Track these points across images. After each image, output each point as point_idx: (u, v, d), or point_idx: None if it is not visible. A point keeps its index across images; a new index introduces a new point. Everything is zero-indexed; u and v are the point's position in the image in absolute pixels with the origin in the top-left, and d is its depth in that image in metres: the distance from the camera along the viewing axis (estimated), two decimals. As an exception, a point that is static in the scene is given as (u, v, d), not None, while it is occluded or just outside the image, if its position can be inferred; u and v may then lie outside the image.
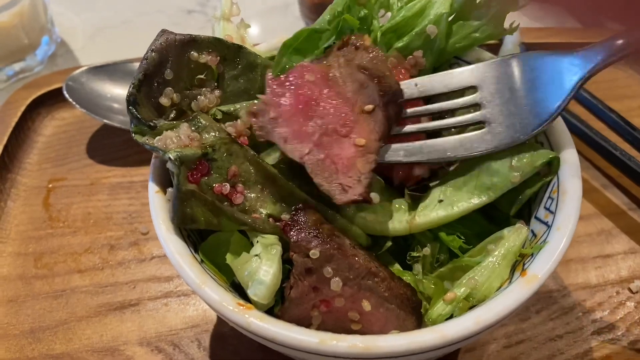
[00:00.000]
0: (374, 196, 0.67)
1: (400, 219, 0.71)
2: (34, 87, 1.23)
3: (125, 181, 1.10)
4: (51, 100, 1.22)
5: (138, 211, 1.05)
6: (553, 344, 0.83)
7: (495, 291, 0.63)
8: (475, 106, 0.72)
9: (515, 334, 0.84)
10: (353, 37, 0.73)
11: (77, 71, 1.14)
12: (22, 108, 1.18)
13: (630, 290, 0.89)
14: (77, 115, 1.20)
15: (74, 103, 1.09)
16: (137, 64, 1.15)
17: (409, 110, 0.74)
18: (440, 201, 0.70)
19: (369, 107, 0.68)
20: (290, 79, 0.70)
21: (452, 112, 0.74)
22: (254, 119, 0.70)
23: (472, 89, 0.72)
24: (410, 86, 0.74)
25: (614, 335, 0.84)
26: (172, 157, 0.63)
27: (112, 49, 1.49)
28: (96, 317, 0.91)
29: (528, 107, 0.69)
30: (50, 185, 1.10)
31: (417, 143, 0.72)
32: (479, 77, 0.72)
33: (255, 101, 0.74)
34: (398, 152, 0.72)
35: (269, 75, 0.71)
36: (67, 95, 1.09)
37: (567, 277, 0.91)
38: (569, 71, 0.68)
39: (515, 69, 0.70)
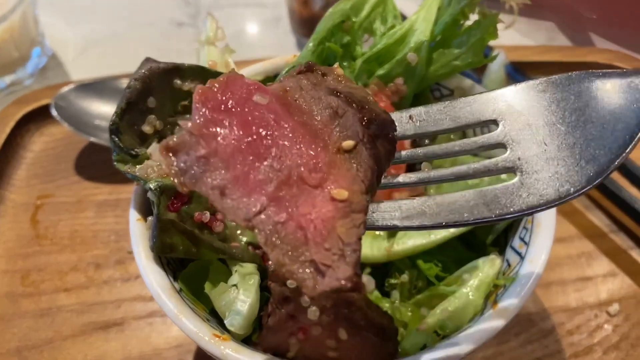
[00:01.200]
0: (368, 280, 0.63)
1: (379, 247, 0.72)
2: (23, 102, 1.23)
3: (112, 199, 1.10)
4: (40, 116, 1.22)
5: (124, 229, 1.05)
6: (531, 367, 0.85)
7: (468, 321, 0.64)
8: (499, 146, 0.52)
9: (494, 357, 0.85)
10: (320, 66, 0.57)
11: (65, 89, 1.15)
12: (12, 124, 1.19)
13: (608, 313, 0.90)
14: (65, 132, 1.21)
15: (61, 121, 1.10)
16: (125, 81, 1.17)
17: (404, 154, 0.55)
18: None
19: (349, 143, 0.50)
20: (231, 98, 0.49)
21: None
22: (171, 158, 0.46)
23: (491, 123, 0.53)
24: (402, 120, 0.55)
25: (591, 358, 0.85)
26: (152, 187, 0.65)
27: (103, 62, 1.50)
28: (81, 336, 0.91)
29: (578, 148, 0.49)
30: (39, 202, 1.11)
31: (421, 200, 0.53)
32: (502, 107, 0.52)
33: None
34: (392, 212, 0.53)
35: (200, 90, 0.49)
36: (54, 114, 1.10)
37: (547, 299, 0.92)
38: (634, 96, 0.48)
39: (554, 96, 0.51)
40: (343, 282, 0.45)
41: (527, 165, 0.50)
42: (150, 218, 0.68)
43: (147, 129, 0.71)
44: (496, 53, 0.82)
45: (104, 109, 1.13)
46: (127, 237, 1.03)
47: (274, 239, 0.46)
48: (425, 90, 0.84)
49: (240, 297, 0.63)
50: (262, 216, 0.46)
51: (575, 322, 0.89)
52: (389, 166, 0.53)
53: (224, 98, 0.49)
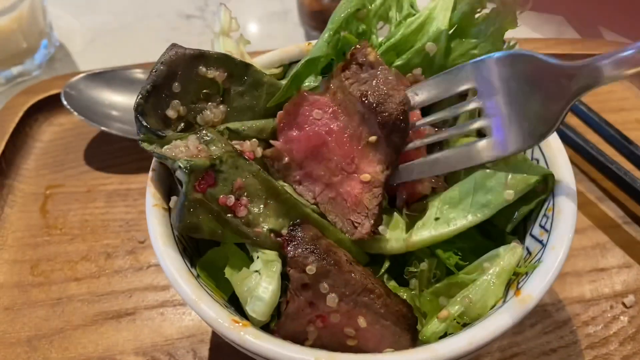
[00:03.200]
0: (382, 229, 0.69)
1: (398, 238, 0.72)
2: (32, 92, 1.23)
3: (123, 188, 1.10)
4: (49, 106, 1.22)
5: (135, 219, 1.05)
6: (547, 358, 0.84)
7: (489, 309, 0.64)
8: (479, 111, 0.71)
9: (510, 348, 0.85)
10: (356, 52, 0.72)
11: (75, 78, 1.14)
12: (20, 114, 1.19)
13: (624, 304, 0.89)
14: (74, 122, 1.20)
15: (71, 110, 1.09)
16: (135, 71, 1.16)
17: (417, 123, 0.73)
18: (437, 219, 0.70)
19: (373, 138, 0.69)
20: (299, 119, 0.73)
21: (454, 120, 0.75)
22: (269, 163, 0.75)
23: (472, 90, 0.71)
24: (411, 95, 0.73)
25: (607, 350, 0.84)
26: (182, 165, 0.64)
27: (111, 53, 1.49)
28: (92, 325, 0.91)
29: (533, 111, 0.65)
30: (48, 192, 1.10)
31: (429, 158, 0.72)
32: (477, 78, 0.69)
33: (263, 121, 0.76)
34: (410, 173, 0.72)
35: (280, 116, 0.74)
36: (65, 102, 1.10)
37: (562, 290, 0.91)
38: (568, 79, 0.64)
39: (515, 69, 0.67)
40: (365, 234, 0.69)
41: (498, 125, 0.68)
42: (174, 198, 0.68)
43: (171, 113, 0.71)
44: (513, 42, 0.81)
45: (115, 99, 1.13)
46: (138, 227, 1.04)
47: (329, 208, 0.72)
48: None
49: (262, 283, 0.63)
50: (322, 196, 0.73)
51: (590, 314, 0.89)
52: (405, 145, 0.71)
53: (294, 120, 0.73)
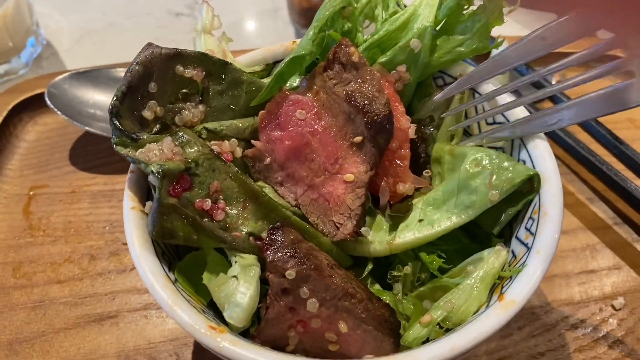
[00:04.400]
0: (365, 231, 0.68)
1: (381, 240, 0.70)
2: (16, 91, 1.21)
3: (107, 189, 1.08)
4: (34, 105, 1.20)
5: (119, 220, 1.03)
6: (535, 361, 0.83)
7: (472, 314, 0.62)
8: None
9: (497, 351, 0.84)
10: (339, 52, 0.71)
11: (59, 77, 1.12)
12: (4, 113, 1.17)
13: (613, 307, 0.88)
14: (59, 121, 1.18)
15: (55, 110, 1.08)
16: (120, 70, 1.15)
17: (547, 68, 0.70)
18: (420, 220, 0.69)
19: (358, 139, 0.68)
20: (281, 119, 0.71)
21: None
22: (250, 163, 0.74)
23: None
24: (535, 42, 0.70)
25: (595, 353, 0.83)
26: (154, 170, 0.63)
27: (99, 52, 1.47)
28: (74, 329, 0.89)
29: None
30: (31, 193, 1.09)
31: (570, 103, 0.69)
32: None
33: (242, 120, 0.74)
34: (552, 121, 0.70)
35: (261, 116, 0.73)
36: (48, 102, 1.08)
37: (551, 292, 0.90)
38: None
39: None
40: (347, 234, 0.68)
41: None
42: (149, 203, 0.66)
43: (147, 114, 0.70)
44: (501, 40, 0.80)
45: (99, 98, 1.11)
46: (122, 228, 1.00)
47: (311, 209, 0.71)
48: (428, 78, 0.82)
49: (240, 288, 0.61)
50: (304, 197, 0.72)
51: (579, 316, 0.88)
52: (387, 146, 0.69)
53: (276, 119, 0.72)
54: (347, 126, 0.70)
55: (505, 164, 0.68)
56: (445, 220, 0.68)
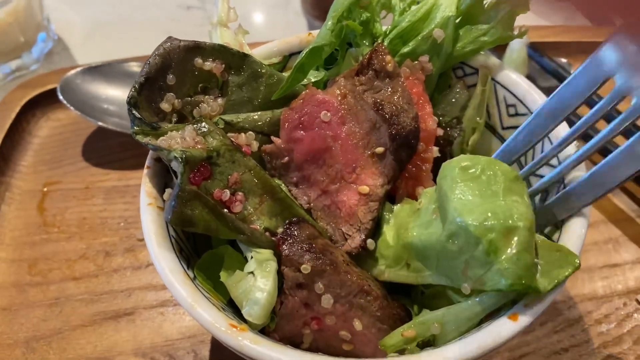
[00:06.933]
0: (370, 243, 0.66)
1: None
2: (28, 87, 1.20)
3: (121, 185, 1.07)
4: (46, 100, 1.19)
5: (134, 216, 1.02)
6: (558, 357, 0.81)
7: (459, 337, 0.58)
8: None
9: (519, 347, 0.82)
10: (374, 58, 0.69)
11: (72, 72, 1.11)
12: (17, 109, 1.16)
13: (637, 301, 0.86)
14: (72, 116, 1.18)
15: (68, 105, 1.07)
16: (133, 65, 1.14)
17: (563, 135, 0.68)
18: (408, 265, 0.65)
19: (380, 149, 0.66)
20: (305, 119, 0.69)
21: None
22: (267, 159, 0.72)
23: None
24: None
25: (620, 349, 0.81)
26: (177, 156, 0.62)
27: (110, 46, 1.46)
28: (91, 326, 0.89)
29: None
30: (45, 189, 1.08)
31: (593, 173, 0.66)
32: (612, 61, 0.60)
33: (259, 113, 0.72)
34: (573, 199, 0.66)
35: (285, 114, 0.70)
36: (61, 97, 1.07)
37: (573, 287, 0.89)
38: None
39: None
40: (354, 248, 0.66)
41: None
42: (168, 190, 0.66)
43: (165, 106, 0.69)
44: (524, 29, 0.77)
45: (112, 93, 1.10)
46: (137, 224, 1.02)
47: (322, 215, 0.70)
48: (448, 69, 0.80)
49: (257, 284, 0.60)
50: (317, 202, 0.70)
51: (603, 311, 0.86)
52: (409, 162, 0.68)
53: (300, 118, 0.69)
54: (370, 135, 0.67)
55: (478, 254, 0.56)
56: (427, 278, 0.63)
